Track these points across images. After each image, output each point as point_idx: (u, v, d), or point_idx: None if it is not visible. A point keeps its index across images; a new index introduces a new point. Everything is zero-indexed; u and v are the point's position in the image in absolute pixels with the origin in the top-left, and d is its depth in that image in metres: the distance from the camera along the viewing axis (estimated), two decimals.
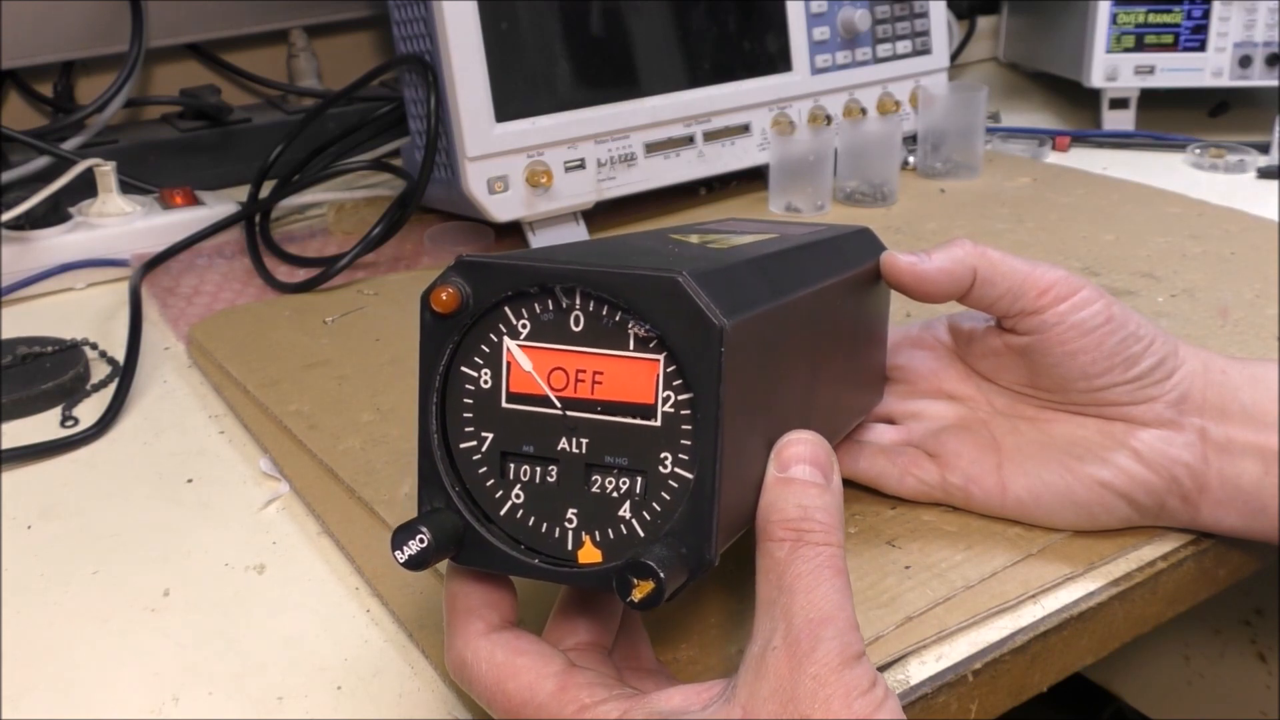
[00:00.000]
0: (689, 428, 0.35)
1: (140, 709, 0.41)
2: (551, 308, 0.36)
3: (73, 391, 0.65)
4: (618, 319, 0.35)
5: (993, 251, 0.45)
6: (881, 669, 0.41)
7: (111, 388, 0.64)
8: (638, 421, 0.35)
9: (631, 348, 0.35)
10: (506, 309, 0.37)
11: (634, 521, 0.36)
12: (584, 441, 0.36)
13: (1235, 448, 0.44)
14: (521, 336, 0.37)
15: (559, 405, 0.36)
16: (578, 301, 0.36)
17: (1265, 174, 0.94)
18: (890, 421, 0.51)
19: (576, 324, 0.36)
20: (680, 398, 0.35)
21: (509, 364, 0.37)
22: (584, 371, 0.36)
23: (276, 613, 0.47)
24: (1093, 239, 0.79)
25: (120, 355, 0.67)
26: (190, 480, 0.56)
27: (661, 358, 0.35)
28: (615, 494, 0.36)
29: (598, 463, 0.36)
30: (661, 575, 0.33)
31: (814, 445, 0.37)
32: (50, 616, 0.47)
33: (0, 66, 0.92)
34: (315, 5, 1.07)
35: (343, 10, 1.09)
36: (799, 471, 0.36)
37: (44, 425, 0.62)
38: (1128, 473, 0.45)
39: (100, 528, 0.53)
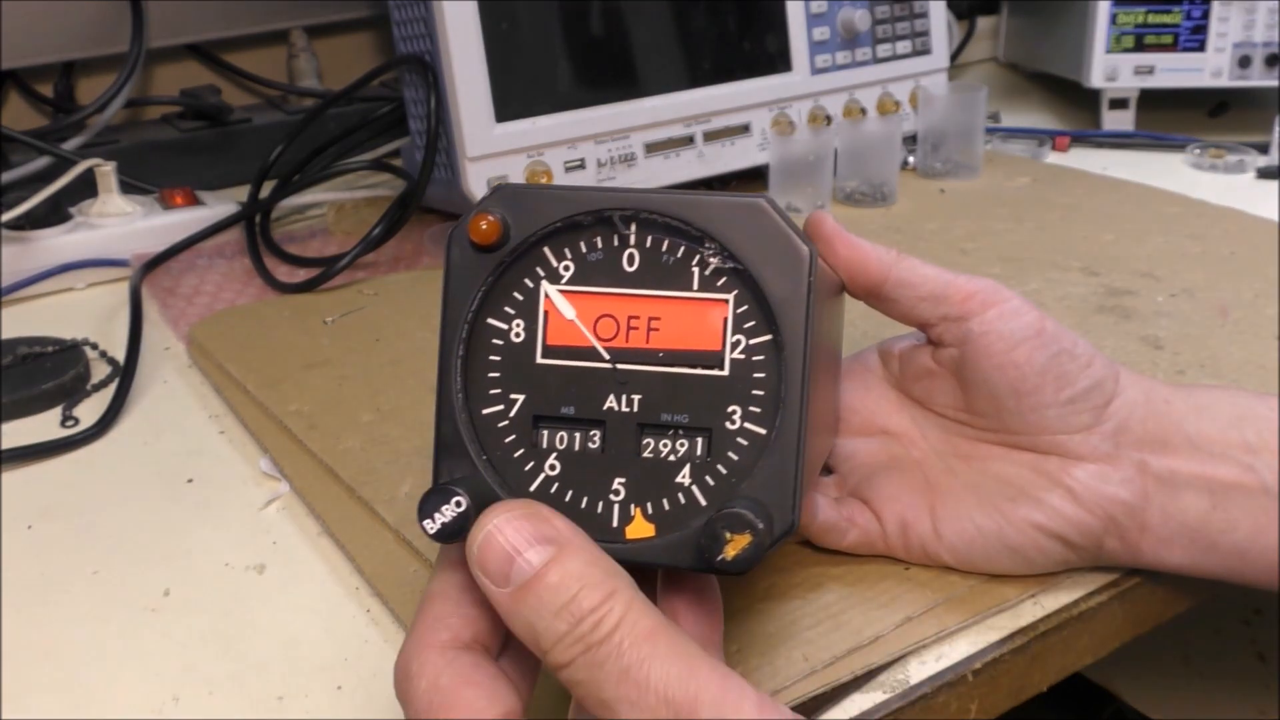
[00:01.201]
0: (762, 375, 0.32)
1: (140, 709, 0.41)
2: (601, 245, 0.33)
3: (73, 391, 0.65)
4: (680, 254, 0.32)
5: (914, 258, 0.42)
6: (881, 669, 0.41)
7: (112, 388, 0.64)
8: (701, 372, 0.32)
9: (696, 287, 0.32)
10: (546, 249, 0.33)
11: (694, 488, 0.32)
12: (636, 399, 0.32)
13: (1179, 480, 0.41)
14: (563, 280, 0.33)
15: (608, 357, 0.33)
16: (633, 235, 0.32)
17: (1265, 174, 0.95)
18: (825, 467, 0.47)
19: (630, 263, 0.32)
20: (752, 341, 0.32)
21: (547, 312, 0.33)
22: (637, 318, 0.32)
23: (276, 613, 0.47)
24: (1093, 239, 0.79)
25: (120, 355, 0.68)
26: (190, 480, 0.56)
27: (731, 297, 0.32)
28: (672, 458, 0.32)
29: (652, 422, 0.32)
30: (760, 526, 0.29)
31: (514, 518, 0.31)
32: (50, 616, 0.47)
33: (0, 66, 0.92)
34: (315, 5, 1.07)
35: (343, 10, 1.09)
36: (527, 565, 0.30)
37: (44, 425, 0.62)
38: (1062, 514, 0.42)
39: (100, 528, 0.53)
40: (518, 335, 0.33)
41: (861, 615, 0.43)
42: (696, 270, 0.32)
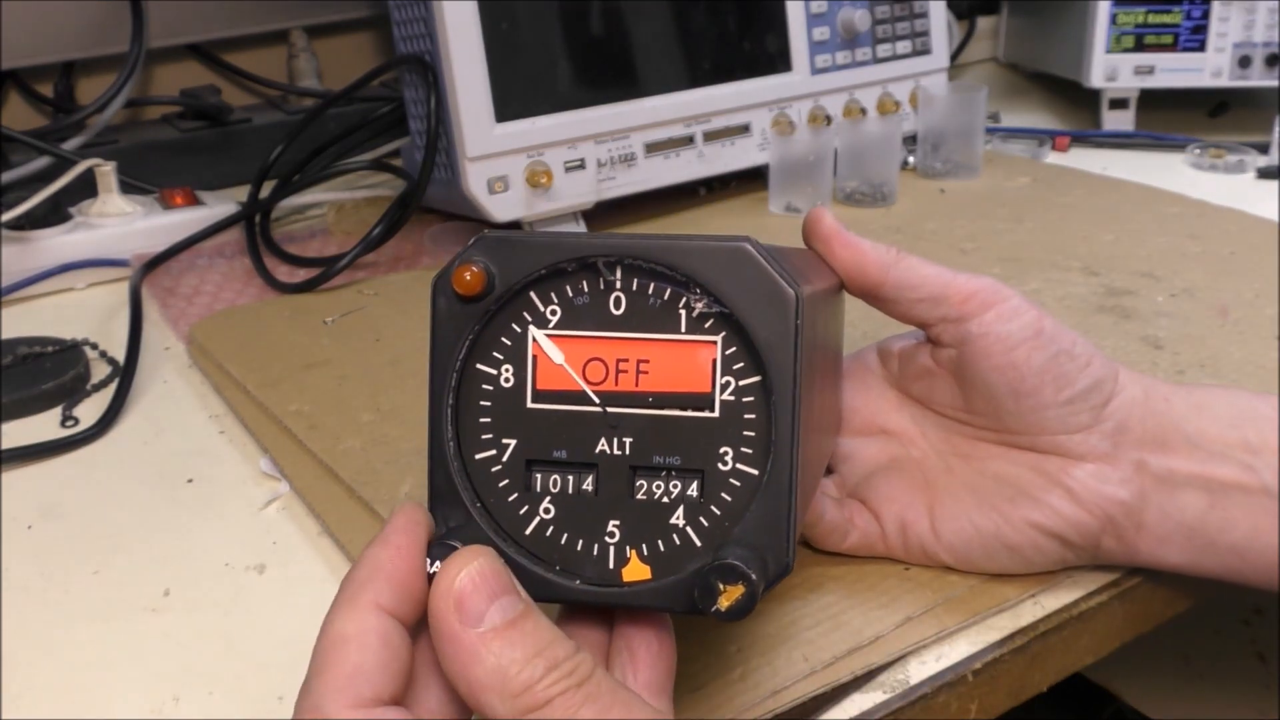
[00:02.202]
0: (753, 416, 0.32)
1: (140, 709, 0.41)
2: (587, 289, 0.33)
3: (73, 391, 0.65)
4: (666, 297, 0.32)
5: (912, 256, 0.42)
6: (881, 669, 0.41)
7: (112, 388, 0.64)
8: (691, 414, 0.32)
9: (683, 329, 0.32)
10: (532, 294, 0.33)
11: (689, 530, 0.32)
12: (627, 441, 0.32)
13: (1176, 479, 0.41)
14: (550, 325, 0.33)
15: (597, 401, 0.33)
16: (619, 280, 0.32)
17: (1265, 174, 0.94)
18: (826, 467, 0.47)
19: (617, 306, 0.32)
20: (742, 383, 0.32)
21: (535, 357, 0.33)
22: (626, 361, 0.32)
23: (276, 613, 0.47)
24: (1093, 239, 0.79)
25: (120, 355, 0.68)
26: (190, 480, 0.56)
27: (719, 338, 0.32)
28: (665, 499, 0.32)
29: (644, 465, 0.32)
30: (753, 576, 0.29)
31: (494, 563, 0.31)
32: (50, 616, 0.47)
33: (0, 66, 0.92)
34: (315, 5, 1.07)
35: (343, 10, 1.09)
36: (500, 611, 0.30)
37: (44, 425, 0.62)
38: (1060, 513, 0.42)
39: (100, 528, 0.53)
40: (507, 380, 0.33)
41: (861, 615, 0.43)
42: (683, 313, 0.32)
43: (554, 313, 0.33)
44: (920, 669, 0.42)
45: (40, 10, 0.92)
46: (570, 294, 0.33)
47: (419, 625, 0.32)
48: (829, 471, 0.48)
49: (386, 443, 0.55)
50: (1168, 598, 0.47)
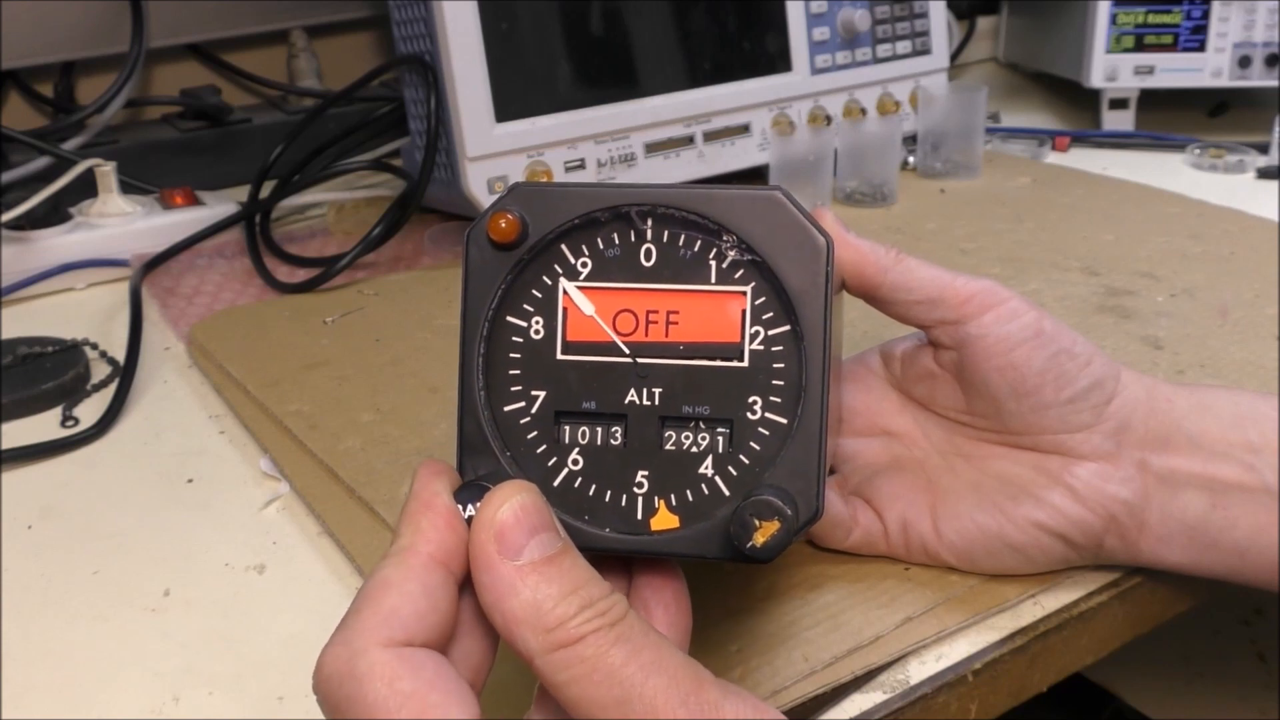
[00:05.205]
0: (782, 365, 0.32)
1: (140, 709, 0.41)
2: (618, 241, 0.33)
3: (73, 391, 0.65)
4: (697, 248, 0.33)
5: (912, 259, 0.42)
6: (881, 669, 0.41)
7: (112, 388, 0.64)
8: (721, 364, 0.32)
9: (713, 280, 0.33)
10: (563, 246, 0.34)
11: (718, 479, 0.33)
12: (657, 392, 0.33)
13: (1178, 479, 0.41)
14: (581, 277, 0.33)
15: (628, 352, 0.33)
16: (650, 230, 0.33)
17: (1264, 174, 0.95)
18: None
19: (648, 258, 0.33)
20: (771, 332, 0.32)
21: (565, 309, 0.34)
22: (656, 312, 0.33)
23: (276, 613, 0.47)
24: (1093, 239, 0.79)
25: (120, 355, 0.68)
26: (190, 480, 0.56)
27: (749, 289, 0.32)
28: (695, 449, 0.33)
29: (673, 415, 0.33)
30: (789, 512, 0.30)
31: (537, 496, 0.31)
32: (50, 616, 0.47)
33: (0, 66, 0.92)
34: (315, 5, 1.07)
35: (343, 10, 1.09)
36: (541, 545, 0.30)
37: (44, 425, 0.62)
38: (1062, 512, 0.42)
39: (100, 528, 0.53)
40: (537, 332, 0.34)
41: (861, 615, 0.43)
42: (714, 263, 0.33)
43: (585, 265, 0.33)
44: (920, 669, 0.42)
45: (40, 10, 0.92)
46: (601, 246, 0.33)
47: (467, 579, 0.32)
48: (831, 471, 0.48)
49: (386, 443, 0.55)
50: (1168, 598, 0.47)
